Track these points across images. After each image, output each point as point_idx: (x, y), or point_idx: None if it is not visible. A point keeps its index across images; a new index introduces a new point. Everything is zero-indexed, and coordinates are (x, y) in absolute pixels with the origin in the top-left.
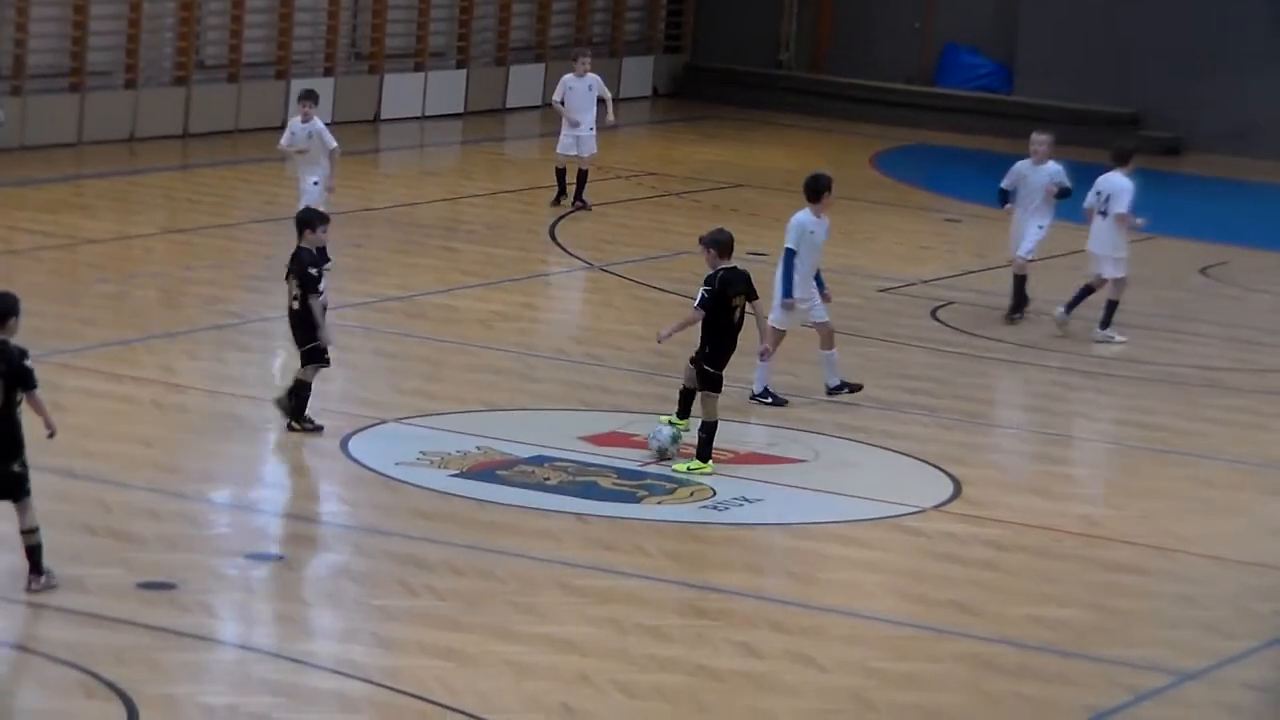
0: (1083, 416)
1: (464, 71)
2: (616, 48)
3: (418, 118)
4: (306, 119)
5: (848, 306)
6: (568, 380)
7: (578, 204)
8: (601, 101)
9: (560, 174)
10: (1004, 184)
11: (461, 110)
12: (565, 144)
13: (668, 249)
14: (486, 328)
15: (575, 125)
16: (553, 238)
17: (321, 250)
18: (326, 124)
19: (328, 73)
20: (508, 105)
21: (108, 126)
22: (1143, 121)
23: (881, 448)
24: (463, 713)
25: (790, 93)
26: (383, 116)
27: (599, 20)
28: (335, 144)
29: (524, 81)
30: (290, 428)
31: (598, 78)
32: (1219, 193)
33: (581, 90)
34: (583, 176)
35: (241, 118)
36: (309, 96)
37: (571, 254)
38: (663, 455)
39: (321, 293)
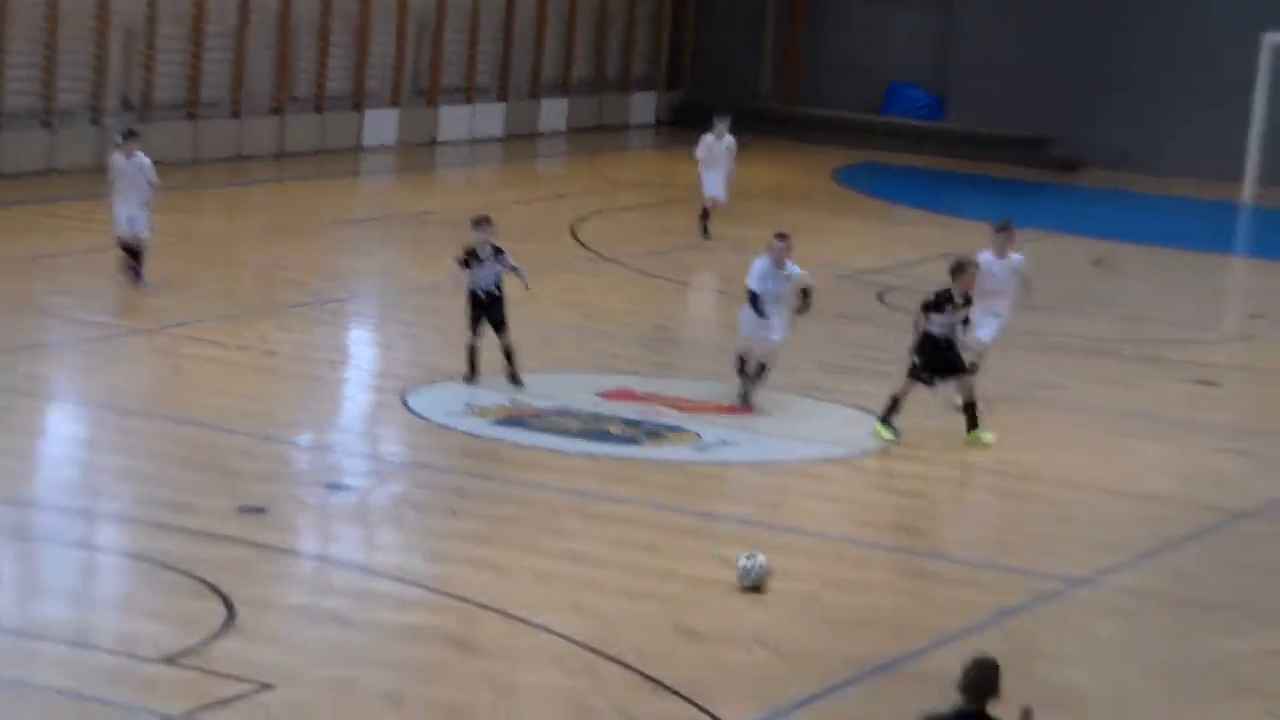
0: (997, 378)
1: (504, 104)
2: (627, 84)
3: (467, 141)
4: (130, 155)
5: None
6: (585, 348)
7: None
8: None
9: (705, 213)
10: (753, 285)
11: (502, 135)
12: (710, 188)
13: (668, 246)
14: (521, 306)
15: (710, 176)
16: (574, 236)
17: (492, 246)
18: (385, 145)
19: (394, 103)
20: (539, 131)
21: (218, 147)
22: (1049, 143)
23: (837, 403)
24: (495, 609)
25: (768, 121)
26: (438, 140)
27: (613, 62)
28: (156, 178)
29: (553, 112)
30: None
31: (733, 140)
32: (1108, 200)
33: (719, 150)
34: (707, 214)
35: (326, 139)
36: (134, 136)
37: (589, 249)
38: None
39: (477, 270)
